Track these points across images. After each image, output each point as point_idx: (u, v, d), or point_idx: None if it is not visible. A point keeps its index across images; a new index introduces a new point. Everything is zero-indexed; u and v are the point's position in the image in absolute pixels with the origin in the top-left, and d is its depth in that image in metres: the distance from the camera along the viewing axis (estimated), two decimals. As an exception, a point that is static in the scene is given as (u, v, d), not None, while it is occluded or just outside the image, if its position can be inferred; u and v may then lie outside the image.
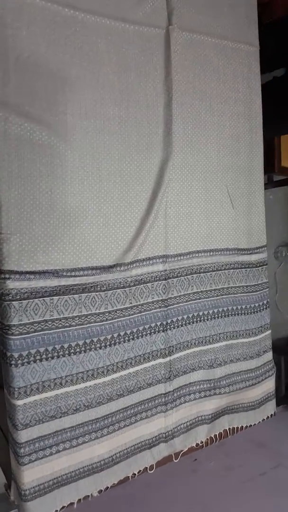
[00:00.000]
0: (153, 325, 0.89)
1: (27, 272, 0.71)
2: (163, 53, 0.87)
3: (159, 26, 0.86)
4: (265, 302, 1.09)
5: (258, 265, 1.07)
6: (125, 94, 0.82)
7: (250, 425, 1.04)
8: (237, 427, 1.02)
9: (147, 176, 0.86)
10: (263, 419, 1.06)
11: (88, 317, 0.79)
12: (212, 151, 0.96)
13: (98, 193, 0.79)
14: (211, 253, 0.98)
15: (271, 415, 1.08)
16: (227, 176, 0.99)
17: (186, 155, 0.92)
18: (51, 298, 0.75)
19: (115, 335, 0.83)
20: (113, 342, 0.83)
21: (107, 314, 0.82)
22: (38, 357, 0.73)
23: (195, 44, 0.91)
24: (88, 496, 0.80)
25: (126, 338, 0.85)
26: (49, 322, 0.74)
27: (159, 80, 0.87)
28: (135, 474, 0.86)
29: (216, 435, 0.98)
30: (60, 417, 0.76)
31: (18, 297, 0.70)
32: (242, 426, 1.03)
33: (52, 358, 0.75)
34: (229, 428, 1.01)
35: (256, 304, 1.07)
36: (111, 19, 0.80)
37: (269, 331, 1.10)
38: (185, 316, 0.94)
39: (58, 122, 0.74)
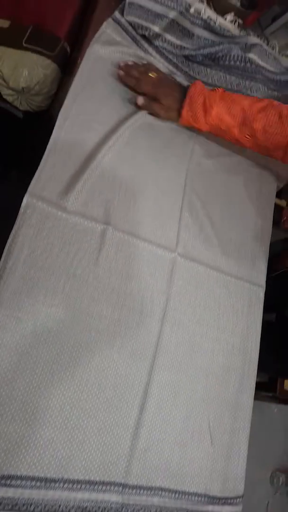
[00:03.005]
0: None
1: None
2: (166, 273, 0.94)
3: (168, 249, 0.95)
4: None
5: (229, 523, 0.92)
6: (121, 297, 0.86)
7: None
8: None
9: (121, 380, 0.83)
10: None
11: None
12: (201, 376, 0.94)
13: (62, 387, 0.76)
14: (176, 495, 0.85)
15: None
16: (211, 407, 0.94)
17: (172, 374, 0.90)
18: None
19: None
20: None
21: None
22: None
23: (200, 274, 0.99)
24: None
25: None
26: None
27: (157, 293, 0.92)
28: None
29: None
30: None
31: None
32: None
33: None
34: None
35: None
36: (125, 233, 0.90)
37: None
38: None
39: (50, 313, 0.77)
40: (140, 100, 1.00)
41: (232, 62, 1.11)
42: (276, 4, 1.18)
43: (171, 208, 1.00)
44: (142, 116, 0.99)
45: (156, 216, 0.96)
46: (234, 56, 1.11)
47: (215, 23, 1.10)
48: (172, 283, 0.94)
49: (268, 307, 1.11)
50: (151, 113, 1.04)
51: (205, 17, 1.09)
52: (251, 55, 1.11)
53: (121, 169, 0.94)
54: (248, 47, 1.11)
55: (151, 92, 1.01)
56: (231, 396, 0.98)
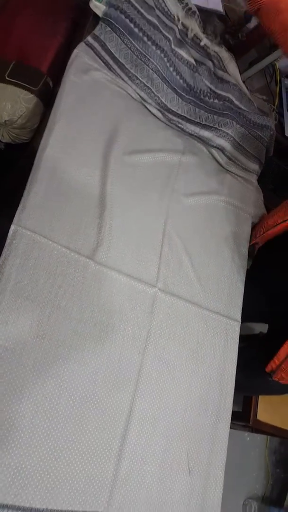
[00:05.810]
0: None
1: None
2: (147, 308, 1.06)
3: (149, 284, 1.08)
4: None
5: None
6: (104, 331, 0.97)
7: None
8: None
9: (104, 411, 0.92)
10: None
11: None
12: (179, 408, 1.05)
13: None
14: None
15: None
16: (189, 438, 1.05)
17: (152, 406, 1.00)
18: None
19: None
20: None
21: None
22: None
23: (179, 308, 1.11)
24: None
25: None
26: None
27: (138, 327, 1.03)
28: None
29: None
30: None
31: None
32: None
33: None
34: None
35: None
36: (107, 267, 1.01)
37: None
38: None
39: (35, 343, 0.87)
40: None
41: (201, 96, 1.27)
42: (253, 50, 1.38)
43: (152, 245, 1.12)
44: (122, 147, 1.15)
45: (138, 252, 1.08)
46: (203, 91, 1.27)
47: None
48: (153, 318, 1.06)
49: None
50: None
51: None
52: (221, 92, 1.28)
53: (106, 205, 1.06)
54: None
55: None
56: (208, 428, 1.09)
